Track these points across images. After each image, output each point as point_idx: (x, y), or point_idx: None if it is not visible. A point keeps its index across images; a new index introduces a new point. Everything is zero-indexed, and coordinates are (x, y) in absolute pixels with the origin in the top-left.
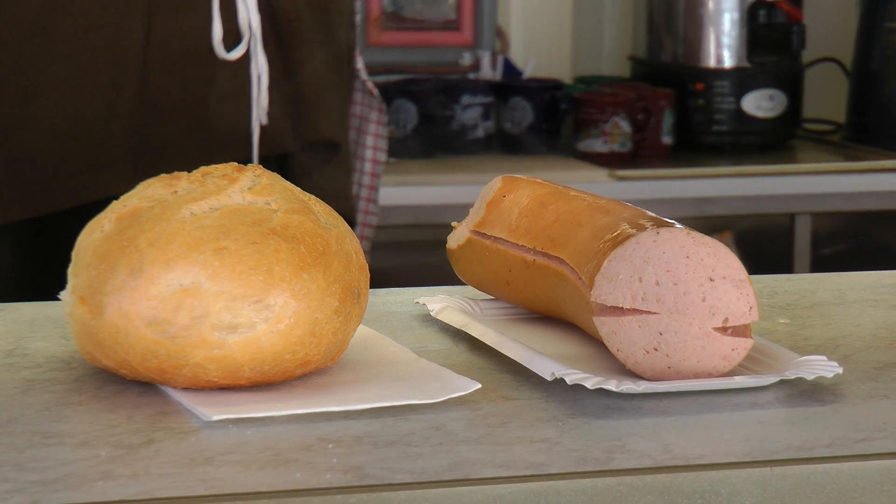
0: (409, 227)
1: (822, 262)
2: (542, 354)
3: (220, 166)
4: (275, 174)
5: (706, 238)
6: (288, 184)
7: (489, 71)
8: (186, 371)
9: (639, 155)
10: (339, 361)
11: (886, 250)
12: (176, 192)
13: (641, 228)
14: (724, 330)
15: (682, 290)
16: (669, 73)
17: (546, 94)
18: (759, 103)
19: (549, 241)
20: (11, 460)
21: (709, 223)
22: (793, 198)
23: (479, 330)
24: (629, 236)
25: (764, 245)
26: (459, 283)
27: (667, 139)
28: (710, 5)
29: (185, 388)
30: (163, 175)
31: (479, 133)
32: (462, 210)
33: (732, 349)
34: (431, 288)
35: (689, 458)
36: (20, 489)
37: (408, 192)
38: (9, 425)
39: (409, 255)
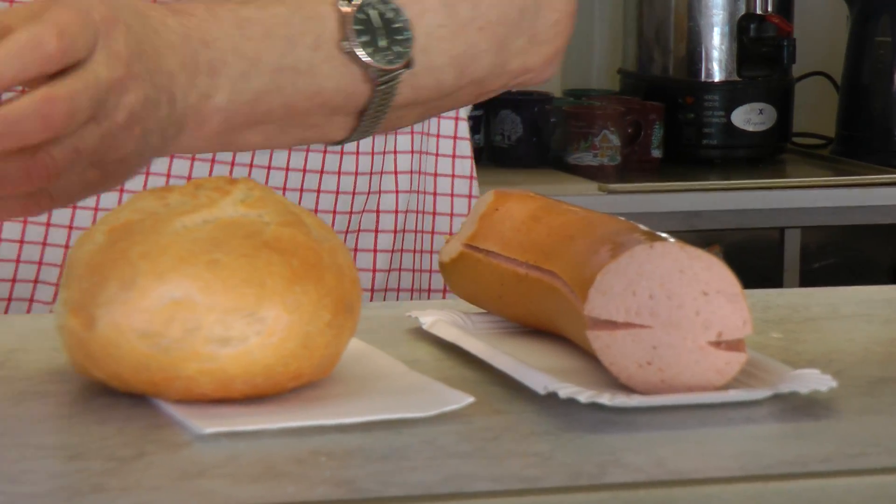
0: None
1: (811, 277)
2: (535, 368)
3: (212, 179)
4: (267, 187)
5: (700, 252)
6: (280, 196)
7: None
8: (178, 384)
9: (628, 168)
10: (331, 374)
11: (876, 265)
12: (168, 204)
13: (635, 242)
14: (718, 344)
15: (675, 303)
16: (659, 86)
17: (535, 108)
18: (749, 117)
19: (542, 254)
20: (2, 473)
21: (698, 237)
22: (782, 212)
23: (472, 343)
24: (623, 250)
25: (753, 259)
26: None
27: (656, 153)
28: (700, 19)
29: (177, 401)
30: (155, 187)
31: None
32: None
33: (726, 363)
34: (423, 301)
35: (683, 472)
36: (11, 502)
37: None
38: (0, 438)
39: None
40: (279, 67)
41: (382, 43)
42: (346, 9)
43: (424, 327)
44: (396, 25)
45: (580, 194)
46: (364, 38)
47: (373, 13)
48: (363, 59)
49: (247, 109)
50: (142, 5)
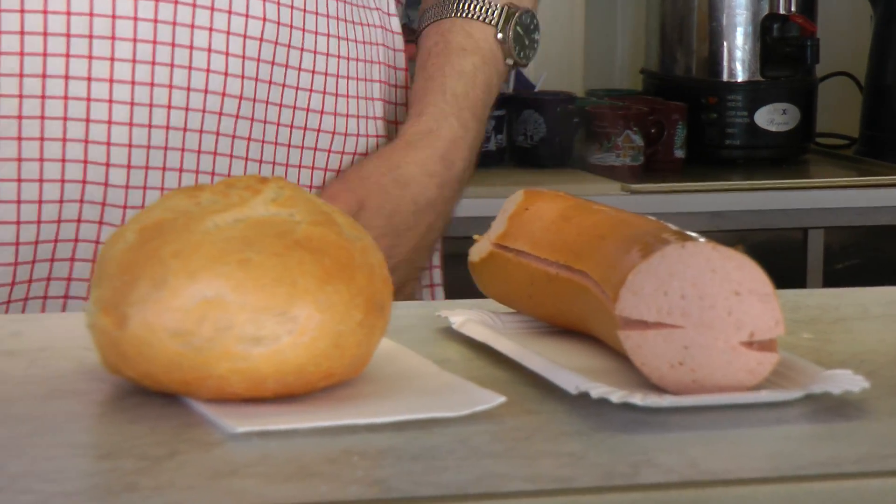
0: None
1: (834, 277)
2: (566, 368)
3: (243, 178)
4: (298, 186)
5: (732, 252)
6: (311, 195)
7: (501, 84)
8: (210, 383)
9: (651, 169)
10: (362, 374)
11: None
12: (199, 203)
13: (666, 242)
14: (749, 344)
15: (707, 303)
16: (682, 86)
17: (558, 108)
18: (772, 117)
19: (572, 254)
20: (35, 471)
21: (721, 237)
22: (805, 212)
23: (502, 343)
24: (654, 250)
25: (776, 260)
26: (478, 295)
27: (679, 153)
28: (723, 19)
29: (209, 400)
30: (186, 186)
31: (491, 146)
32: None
33: (758, 363)
34: (451, 301)
35: (715, 473)
36: (44, 500)
37: None
38: (32, 437)
39: None
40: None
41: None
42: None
43: (454, 327)
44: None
45: (603, 194)
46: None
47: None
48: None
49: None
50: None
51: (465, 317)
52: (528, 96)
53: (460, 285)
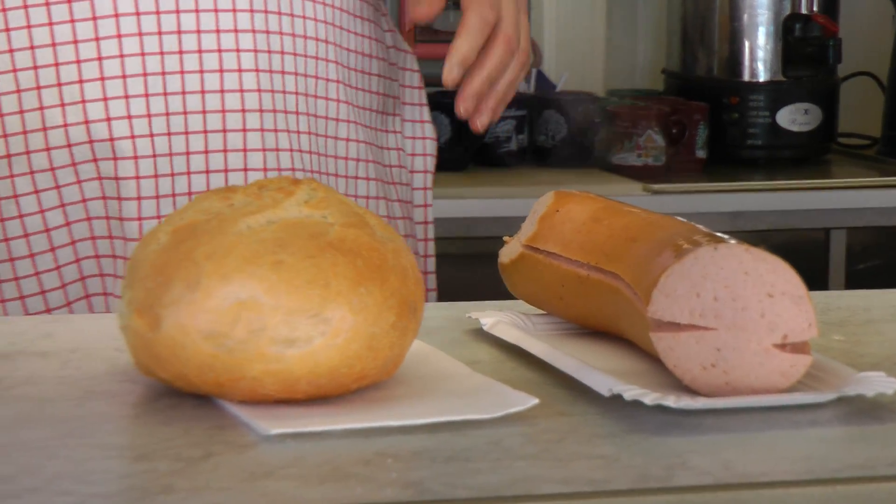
0: (441, 239)
1: (856, 278)
2: (598, 370)
3: (276, 179)
4: (330, 188)
5: (765, 254)
6: (343, 197)
7: (522, 84)
8: (243, 385)
9: (672, 169)
10: (394, 376)
11: None
12: (232, 205)
13: (698, 244)
14: (783, 346)
15: (740, 305)
16: (703, 86)
17: (580, 108)
18: (794, 117)
19: (604, 256)
20: (71, 473)
21: (742, 238)
22: (827, 213)
23: (534, 345)
24: (687, 252)
25: (798, 260)
26: (505, 296)
27: (701, 153)
28: (745, 19)
29: (241, 402)
30: (218, 188)
31: (513, 146)
32: (495, 223)
33: (791, 366)
34: (480, 302)
35: (750, 475)
36: (81, 502)
37: (440, 205)
38: (67, 438)
39: (440, 269)
40: None
41: None
42: None
43: (485, 328)
44: None
45: (624, 195)
46: None
47: None
48: None
49: None
50: None
51: (496, 318)
52: (549, 96)
53: (487, 286)
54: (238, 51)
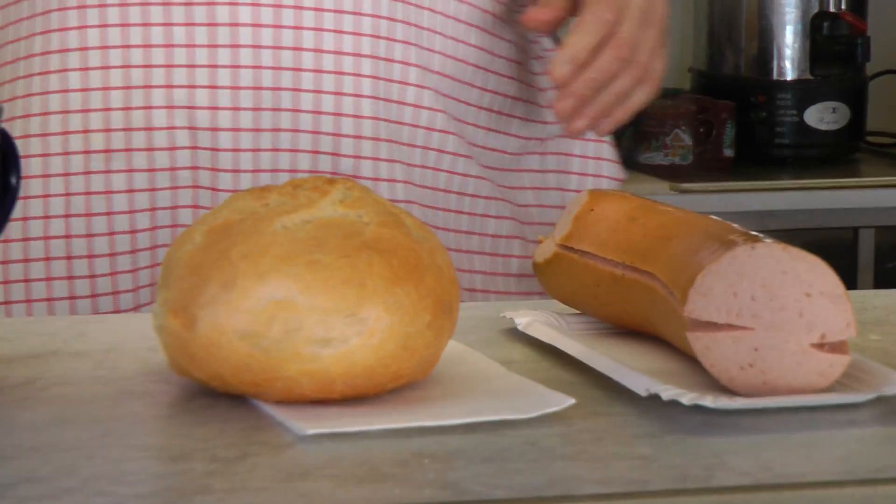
0: None
1: (885, 277)
2: (635, 370)
3: (311, 178)
4: (365, 187)
5: (803, 253)
6: (378, 196)
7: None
8: (279, 384)
9: (700, 168)
10: (430, 375)
11: None
12: (267, 204)
13: (735, 243)
14: (821, 346)
15: (778, 305)
16: (731, 85)
17: None
18: (822, 116)
19: (639, 255)
20: (108, 474)
21: (770, 237)
22: (856, 211)
23: (569, 345)
24: (724, 251)
25: (826, 259)
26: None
27: (728, 152)
28: (773, 17)
29: (277, 402)
30: (253, 188)
31: None
32: None
33: (829, 365)
34: (515, 302)
35: (789, 476)
36: (119, 503)
37: None
38: (103, 438)
39: None
40: None
41: None
42: None
43: (520, 328)
44: None
45: (652, 194)
46: None
47: None
48: None
49: None
50: None
51: (530, 318)
52: None
53: None
54: (358, 76)
